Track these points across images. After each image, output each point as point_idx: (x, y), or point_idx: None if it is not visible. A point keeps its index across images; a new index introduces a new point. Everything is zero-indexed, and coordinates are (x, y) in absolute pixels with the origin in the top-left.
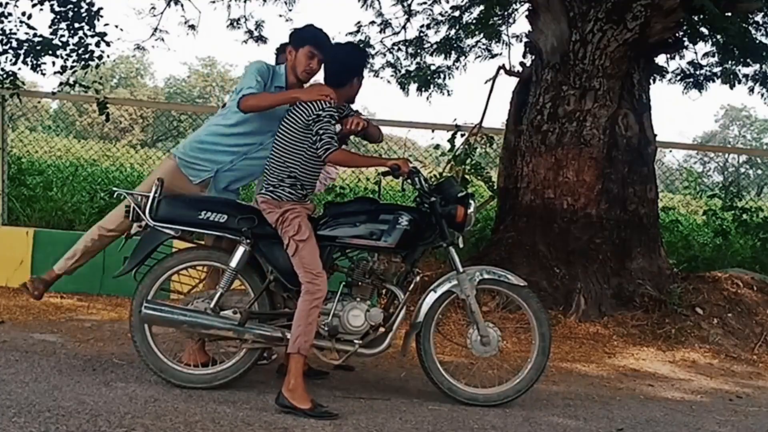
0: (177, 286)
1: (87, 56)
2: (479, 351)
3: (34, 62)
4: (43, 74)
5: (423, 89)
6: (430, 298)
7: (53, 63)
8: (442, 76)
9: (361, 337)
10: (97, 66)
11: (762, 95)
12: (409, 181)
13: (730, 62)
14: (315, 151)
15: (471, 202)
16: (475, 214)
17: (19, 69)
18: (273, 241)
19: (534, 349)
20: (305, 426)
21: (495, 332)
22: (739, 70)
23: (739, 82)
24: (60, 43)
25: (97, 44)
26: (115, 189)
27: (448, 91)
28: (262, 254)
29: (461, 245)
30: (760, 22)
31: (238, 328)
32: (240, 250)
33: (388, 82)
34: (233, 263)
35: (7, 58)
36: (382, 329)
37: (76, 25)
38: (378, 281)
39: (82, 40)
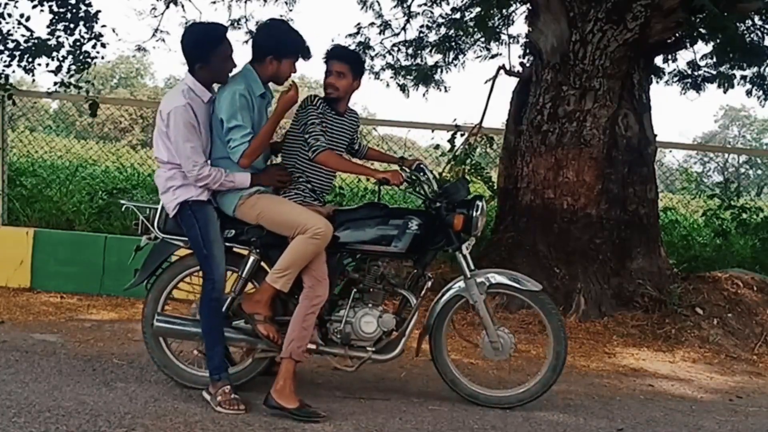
0: (176, 293)
1: (82, 58)
2: (491, 355)
3: (29, 64)
4: (34, 79)
5: (420, 84)
6: (441, 301)
7: (47, 65)
8: (439, 71)
9: (374, 343)
10: (95, 65)
11: (758, 98)
12: (409, 190)
13: (726, 65)
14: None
15: (478, 204)
16: (483, 217)
17: (13, 71)
18: (282, 250)
19: (545, 365)
20: (305, 426)
21: (508, 337)
22: (734, 75)
23: (732, 87)
24: (55, 44)
25: (94, 46)
26: (123, 202)
27: (445, 87)
28: (272, 262)
29: (465, 251)
30: (759, 25)
31: (249, 338)
32: (250, 259)
33: (387, 84)
34: (243, 271)
35: (2, 59)
36: (395, 334)
37: (72, 26)
38: (389, 286)
39: (78, 42)
